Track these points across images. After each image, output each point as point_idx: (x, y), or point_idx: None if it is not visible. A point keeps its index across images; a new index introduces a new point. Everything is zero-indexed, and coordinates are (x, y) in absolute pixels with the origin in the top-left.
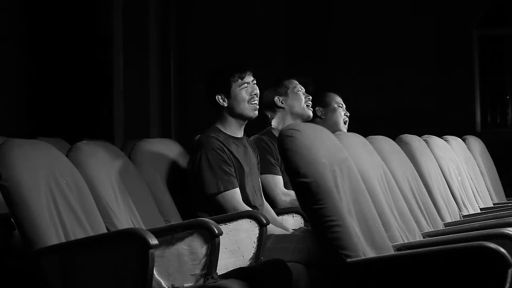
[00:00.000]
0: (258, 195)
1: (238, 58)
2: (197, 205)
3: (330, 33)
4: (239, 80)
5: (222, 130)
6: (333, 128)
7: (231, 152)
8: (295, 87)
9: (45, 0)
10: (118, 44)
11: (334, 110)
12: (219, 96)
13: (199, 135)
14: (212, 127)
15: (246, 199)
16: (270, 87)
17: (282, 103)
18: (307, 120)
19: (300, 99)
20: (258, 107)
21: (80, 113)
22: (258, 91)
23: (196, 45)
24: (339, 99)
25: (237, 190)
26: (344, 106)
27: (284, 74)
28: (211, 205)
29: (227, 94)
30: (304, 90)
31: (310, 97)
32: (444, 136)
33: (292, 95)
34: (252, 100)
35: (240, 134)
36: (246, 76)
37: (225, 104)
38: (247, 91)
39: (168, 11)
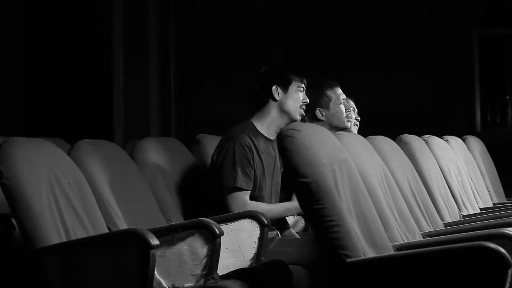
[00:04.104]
0: (273, 199)
1: (238, 58)
2: (208, 202)
3: (330, 33)
4: (299, 82)
5: (257, 127)
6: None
7: (258, 151)
8: (338, 97)
9: (45, 1)
10: (118, 44)
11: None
12: (275, 87)
13: (234, 127)
14: (247, 121)
15: (259, 201)
16: (311, 95)
17: (323, 115)
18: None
19: (342, 112)
20: (303, 114)
21: (80, 113)
22: (308, 101)
23: (196, 45)
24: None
25: (249, 193)
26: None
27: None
28: (220, 199)
29: (285, 89)
30: (345, 98)
31: (351, 109)
32: (444, 136)
33: (334, 108)
34: (302, 105)
35: (273, 136)
36: (303, 84)
37: (278, 98)
38: (301, 96)
39: (168, 11)
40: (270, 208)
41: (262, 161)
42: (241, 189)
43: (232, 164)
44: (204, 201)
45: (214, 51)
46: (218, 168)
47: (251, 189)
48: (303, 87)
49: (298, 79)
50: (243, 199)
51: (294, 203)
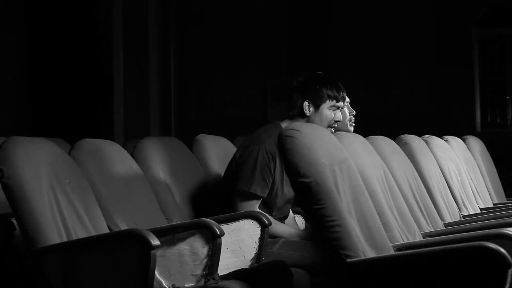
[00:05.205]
0: (286, 206)
1: (238, 58)
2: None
3: (330, 33)
4: (334, 101)
5: None
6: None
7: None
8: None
9: (45, 1)
10: (118, 44)
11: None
12: (307, 103)
13: (264, 126)
14: (276, 123)
15: (270, 209)
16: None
17: None
18: None
19: (345, 115)
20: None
21: (80, 113)
22: (341, 120)
23: (196, 45)
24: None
25: (260, 200)
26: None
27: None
28: (231, 198)
29: (316, 106)
30: (349, 102)
31: (354, 112)
32: (444, 136)
33: None
34: (332, 124)
35: None
36: (340, 101)
37: (308, 114)
38: (334, 115)
39: (168, 11)
40: (279, 228)
41: (283, 169)
42: (254, 196)
43: (252, 168)
44: (215, 199)
45: (214, 51)
46: (238, 169)
47: (265, 196)
48: (338, 106)
49: (333, 97)
50: (252, 206)
51: (299, 232)
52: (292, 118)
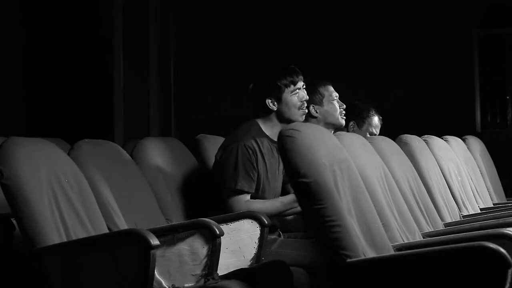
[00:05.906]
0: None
1: (238, 58)
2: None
3: (330, 33)
4: (292, 86)
5: (262, 128)
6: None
7: (262, 154)
8: (330, 95)
9: (45, 1)
10: (118, 44)
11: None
12: (269, 100)
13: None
14: (253, 121)
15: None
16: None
17: (317, 112)
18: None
19: (336, 109)
20: (306, 112)
21: (80, 113)
22: (307, 97)
23: (196, 45)
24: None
25: (249, 195)
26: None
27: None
28: (220, 199)
29: (278, 99)
30: (338, 96)
31: (344, 106)
32: (444, 136)
33: (328, 104)
34: (302, 106)
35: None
36: (298, 82)
37: (275, 108)
38: (298, 97)
39: (168, 11)
40: (268, 205)
41: (266, 164)
42: (242, 191)
43: (234, 165)
44: (205, 201)
45: (214, 51)
46: (221, 169)
47: (253, 191)
48: (299, 87)
49: (289, 83)
50: (241, 203)
51: (291, 196)
52: (263, 117)
